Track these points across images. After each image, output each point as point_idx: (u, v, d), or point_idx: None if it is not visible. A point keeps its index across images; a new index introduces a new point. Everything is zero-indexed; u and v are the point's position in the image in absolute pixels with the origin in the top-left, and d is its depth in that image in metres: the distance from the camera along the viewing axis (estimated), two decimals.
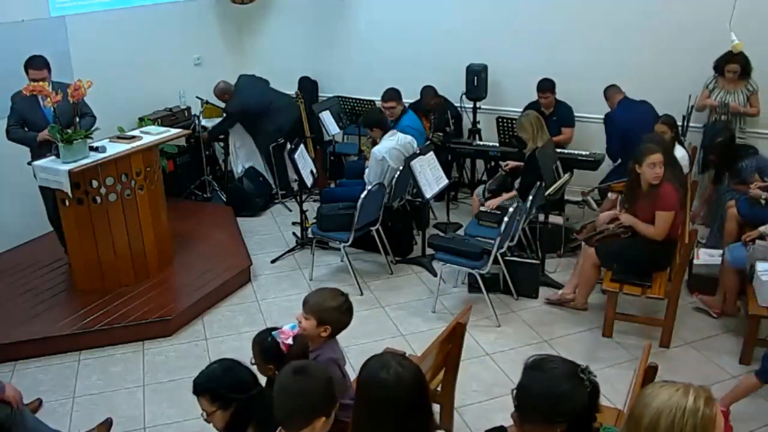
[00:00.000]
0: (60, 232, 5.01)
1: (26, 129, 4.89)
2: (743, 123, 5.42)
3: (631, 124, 5.32)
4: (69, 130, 4.50)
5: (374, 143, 5.48)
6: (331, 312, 2.75)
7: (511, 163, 5.67)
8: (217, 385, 2.38)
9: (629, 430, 1.71)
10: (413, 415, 1.94)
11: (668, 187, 4.14)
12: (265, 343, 2.62)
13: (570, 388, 1.81)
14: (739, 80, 5.32)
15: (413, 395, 1.95)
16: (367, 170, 5.41)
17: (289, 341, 2.60)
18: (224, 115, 6.72)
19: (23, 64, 4.72)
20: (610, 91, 5.63)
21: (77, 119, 4.65)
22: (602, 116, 5.76)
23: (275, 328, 2.64)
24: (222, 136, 6.94)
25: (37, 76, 4.66)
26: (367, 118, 5.68)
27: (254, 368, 2.62)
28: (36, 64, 4.71)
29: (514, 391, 1.91)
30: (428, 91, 6.42)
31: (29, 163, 4.79)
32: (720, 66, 5.34)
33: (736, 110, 5.31)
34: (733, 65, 5.24)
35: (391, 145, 5.32)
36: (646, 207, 4.25)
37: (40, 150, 4.79)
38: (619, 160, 5.51)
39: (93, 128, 4.86)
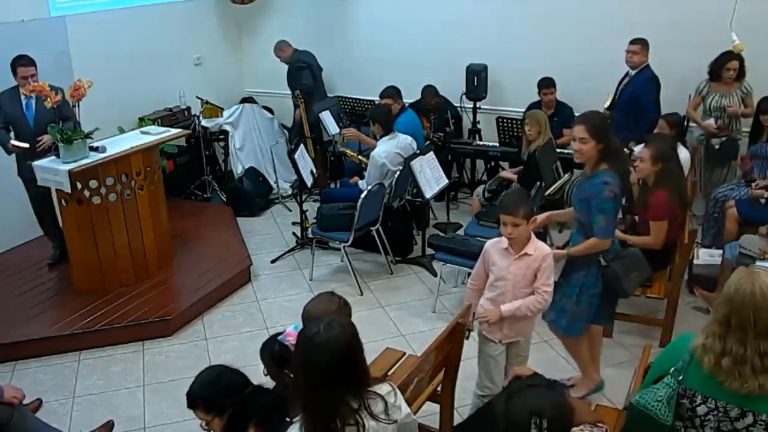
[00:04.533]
0: (44, 227, 5.17)
1: (11, 130, 4.84)
2: (738, 123, 5.42)
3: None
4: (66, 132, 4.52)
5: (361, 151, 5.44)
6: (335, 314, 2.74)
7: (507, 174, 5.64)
8: (209, 393, 2.38)
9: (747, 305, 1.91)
10: (346, 373, 2.02)
11: (658, 196, 4.09)
12: (274, 351, 2.63)
13: (516, 423, 1.83)
14: (733, 82, 5.30)
15: (343, 355, 2.02)
16: (366, 174, 5.40)
17: None
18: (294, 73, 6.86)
19: (10, 63, 4.72)
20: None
21: (61, 123, 4.64)
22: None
23: (279, 334, 2.64)
24: (222, 136, 6.96)
25: (26, 73, 4.66)
26: (373, 111, 5.64)
27: (266, 378, 2.64)
28: (25, 61, 4.70)
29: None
30: (429, 90, 6.41)
31: (29, 163, 4.79)
32: (716, 70, 5.30)
33: (735, 113, 5.30)
34: (733, 62, 5.21)
35: (391, 148, 5.32)
36: (642, 214, 4.27)
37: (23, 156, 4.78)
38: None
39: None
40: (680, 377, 2.05)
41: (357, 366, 2.07)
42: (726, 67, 5.24)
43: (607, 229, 3.26)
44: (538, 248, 3.11)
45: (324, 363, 1.97)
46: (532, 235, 3.14)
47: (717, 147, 5.37)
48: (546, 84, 5.90)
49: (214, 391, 2.39)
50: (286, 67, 6.95)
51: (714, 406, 2.02)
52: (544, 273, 3.11)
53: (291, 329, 2.63)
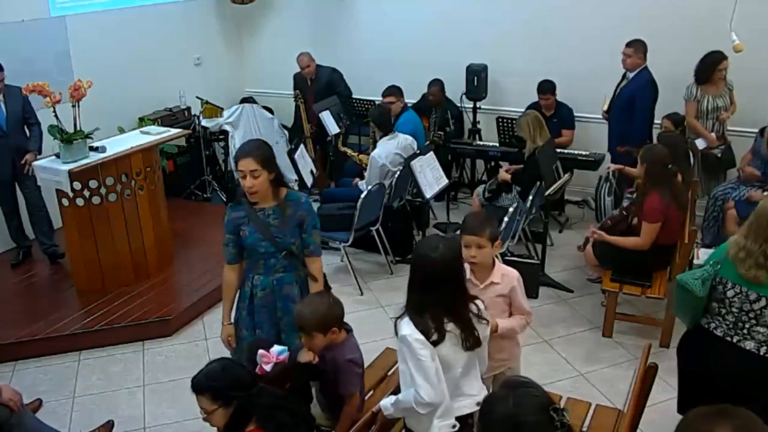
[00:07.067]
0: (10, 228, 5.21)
1: None
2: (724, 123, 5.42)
3: None
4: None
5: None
6: (328, 315, 2.76)
7: (511, 167, 5.66)
8: (219, 383, 2.39)
9: None
10: (453, 285, 2.47)
11: (652, 199, 4.11)
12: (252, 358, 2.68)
13: (536, 422, 1.66)
14: (720, 81, 5.25)
15: (452, 268, 2.45)
16: (366, 174, 5.40)
17: (268, 368, 2.64)
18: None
19: None
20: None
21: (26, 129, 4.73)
22: (601, 117, 5.78)
23: (265, 344, 2.69)
24: (222, 136, 6.96)
25: None
26: (371, 113, 5.67)
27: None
28: None
29: (479, 405, 1.87)
30: (435, 84, 6.38)
31: (29, 164, 4.80)
32: (706, 72, 5.20)
33: (725, 120, 5.28)
34: (724, 62, 5.14)
35: (392, 149, 5.32)
36: (638, 215, 4.27)
37: None
38: None
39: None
40: (718, 267, 2.72)
41: (457, 278, 2.49)
42: (719, 68, 5.18)
43: (320, 245, 3.21)
44: (504, 274, 2.88)
45: (431, 269, 2.47)
46: (497, 262, 2.92)
47: (719, 156, 5.33)
48: (544, 89, 5.89)
49: (223, 380, 2.40)
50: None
51: (739, 291, 2.69)
52: (521, 297, 2.90)
53: (274, 351, 2.67)
